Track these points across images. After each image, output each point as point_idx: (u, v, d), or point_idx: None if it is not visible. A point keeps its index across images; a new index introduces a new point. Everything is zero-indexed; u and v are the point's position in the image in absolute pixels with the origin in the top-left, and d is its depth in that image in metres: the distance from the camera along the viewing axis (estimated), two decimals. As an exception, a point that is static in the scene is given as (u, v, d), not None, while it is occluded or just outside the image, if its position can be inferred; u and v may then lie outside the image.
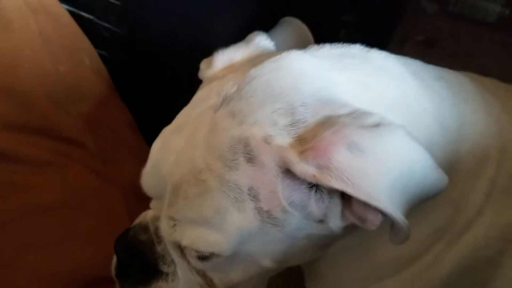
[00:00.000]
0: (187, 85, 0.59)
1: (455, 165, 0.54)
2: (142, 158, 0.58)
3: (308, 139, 0.45)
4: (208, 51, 0.63)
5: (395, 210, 0.43)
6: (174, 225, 0.51)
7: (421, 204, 0.47)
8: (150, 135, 0.96)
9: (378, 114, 0.46)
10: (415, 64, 0.58)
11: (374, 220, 0.45)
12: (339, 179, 0.43)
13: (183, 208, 0.50)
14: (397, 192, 0.44)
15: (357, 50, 0.55)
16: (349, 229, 0.51)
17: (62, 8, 0.92)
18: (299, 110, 0.47)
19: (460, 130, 0.56)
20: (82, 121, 0.86)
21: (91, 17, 0.93)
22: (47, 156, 0.82)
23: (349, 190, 0.43)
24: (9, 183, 0.80)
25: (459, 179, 0.55)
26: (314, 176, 0.44)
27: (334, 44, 0.54)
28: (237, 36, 0.64)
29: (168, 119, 0.57)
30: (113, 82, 0.97)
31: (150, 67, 0.97)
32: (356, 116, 0.46)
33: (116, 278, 0.61)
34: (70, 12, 0.93)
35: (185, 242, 0.51)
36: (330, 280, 0.65)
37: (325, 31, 0.56)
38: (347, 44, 0.55)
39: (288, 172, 0.46)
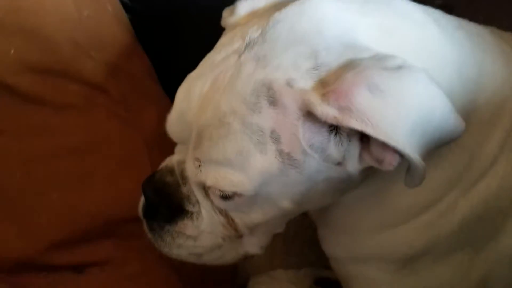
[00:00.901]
0: (208, 35, 0.60)
1: (472, 114, 0.55)
2: (162, 106, 0.58)
3: (330, 82, 0.47)
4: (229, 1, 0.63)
5: (412, 151, 0.44)
6: (199, 166, 0.53)
7: (437, 148, 0.48)
8: (168, 84, 0.97)
9: (400, 57, 0.47)
10: (436, 13, 0.59)
11: (392, 161, 0.47)
12: (359, 120, 0.44)
13: (208, 149, 0.52)
14: (415, 134, 0.45)
15: None
16: (367, 174, 0.53)
17: (85, -47, 0.91)
18: (322, 54, 0.49)
19: (478, 79, 0.57)
20: (104, 67, 0.86)
21: (113, -37, 0.92)
22: (69, 100, 0.83)
23: (368, 130, 0.44)
24: (32, 124, 0.82)
25: (475, 129, 0.56)
26: (335, 117, 0.45)
27: None
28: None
29: (186, 69, 0.58)
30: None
31: (169, 16, 0.97)
32: (379, 59, 0.47)
33: (143, 218, 0.64)
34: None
35: (209, 182, 0.53)
36: (342, 227, 0.67)
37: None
38: None
39: (309, 115, 0.48)
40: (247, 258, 0.66)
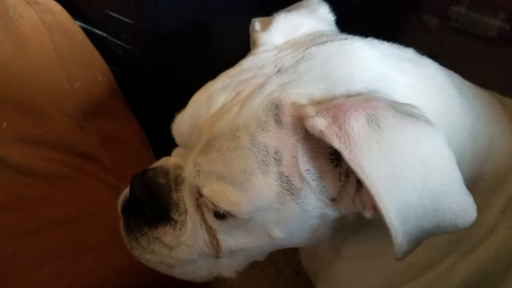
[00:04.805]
0: (207, 74, 0.59)
1: (478, 182, 0.55)
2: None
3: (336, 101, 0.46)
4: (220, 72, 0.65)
5: (391, 207, 0.42)
6: (199, 171, 0.51)
7: (430, 235, 0.45)
8: (156, 149, 0.97)
9: (419, 108, 0.45)
10: (458, 78, 0.59)
11: (371, 208, 0.46)
12: (342, 141, 0.43)
13: (215, 159, 0.50)
14: (403, 192, 0.42)
15: (411, 54, 0.55)
16: (368, 222, 0.51)
17: (77, 26, 0.94)
18: (341, 90, 0.48)
19: (488, 149, 0.57)
20: (96, 136, 0.88)
21: (104, 34, 0.95)
22: (62, 171, 0.84)
23: (344, 153, 0.42)
24: (25, 196, 0.83)
25: (477, 195, 0.53)
26: (321, 131, 0.44)
27: (391, 44, 0.55)
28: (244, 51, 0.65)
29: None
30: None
31: (161, 83, 0.98)
32: (394, 101, 0.46)
33: (121, 214, 0.61)
34: (84, 29, 0.95)
35: (206, 191, 0.51)
36: (345, 284, 0.66)
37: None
38: (401, 46, 0.55)
39: (309, 139, 0.47)
40: (218, 279, 0.63)
